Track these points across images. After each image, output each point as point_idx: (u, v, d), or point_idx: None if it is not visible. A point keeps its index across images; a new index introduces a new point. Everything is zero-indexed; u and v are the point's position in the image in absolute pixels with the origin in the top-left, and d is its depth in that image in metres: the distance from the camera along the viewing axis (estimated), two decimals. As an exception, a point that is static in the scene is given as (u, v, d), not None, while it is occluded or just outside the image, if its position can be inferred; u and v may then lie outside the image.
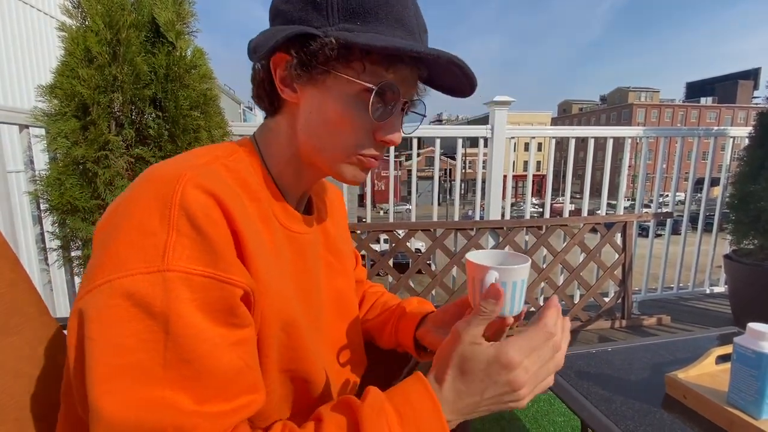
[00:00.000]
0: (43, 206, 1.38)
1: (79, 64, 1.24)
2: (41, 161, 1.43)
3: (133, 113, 1.34)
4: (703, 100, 63.38)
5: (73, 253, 1.40)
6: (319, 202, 0.66)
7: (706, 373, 0.80)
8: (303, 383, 0.53)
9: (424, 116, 0.58)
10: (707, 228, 2.61)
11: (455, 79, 0.50)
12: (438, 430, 0.41)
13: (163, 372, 0.35)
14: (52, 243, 1.39)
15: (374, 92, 0.46)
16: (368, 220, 2.24)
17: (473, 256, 0.54)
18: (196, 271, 0.37)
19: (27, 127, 1.40)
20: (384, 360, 0.75)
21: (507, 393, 0.43)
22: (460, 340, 0.44)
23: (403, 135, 0.54)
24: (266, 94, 0.52)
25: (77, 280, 1.55)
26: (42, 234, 1.51)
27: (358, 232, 2.01)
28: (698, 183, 2.67)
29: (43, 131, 1.33)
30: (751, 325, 0.67)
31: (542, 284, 2.22)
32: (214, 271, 0.38)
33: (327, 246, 0.64)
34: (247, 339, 0.42)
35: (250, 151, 0.52)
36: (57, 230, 1.34)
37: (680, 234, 2.58)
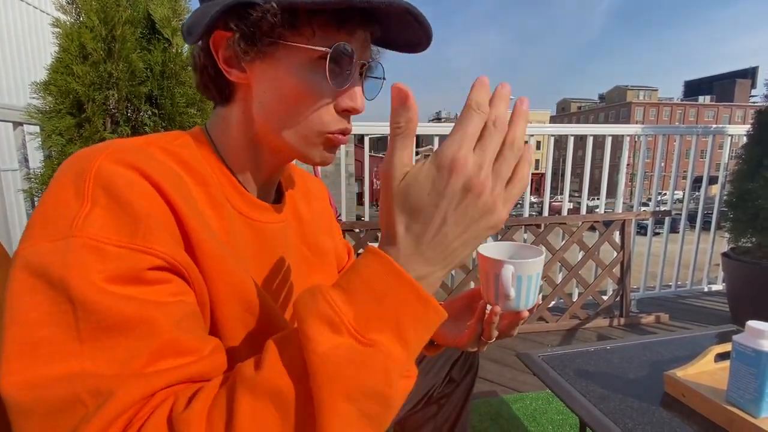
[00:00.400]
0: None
1: (74, 61, 1.22)
2: (36, 159, 1.42)
3: (129, 110, 1.32)
4: (701, 99, 63.52)
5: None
6: (294, 192, 0.62)
7: (705, 371, 0.80)
8: None
9: (384, 79, 0.53)
10: (705, 226, 2.61)
11: (411, 32, 0.46)
12: (398, 283, 0.32)
13: (80, 345, 0.31)
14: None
15: (329, 56, 0.42)
16: (367, 219, 2.23)
17: (485, 249, 0.53)
18: (108, 240, 0.33)
19: (21, 124, 1.38)
20: None
21: (468, 201, 0.32)
22: (391, 176, 0.34)
23: (366, 100, 0.50)
24: (212, 81, 0.48)
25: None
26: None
27: (357, 230, 2.01)
28: (696, 181, 2.68)
29: (37, 128, 1.32)
30: (751, 323, 0.67)
31: (541, 282, 2.22)
32: (130, 240, 0.34)
33: (302, 238, 0.60)
34: (184, 305, 0.37)
35: (198, 139, 0.49)
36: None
37: (678, 232, 2.58)
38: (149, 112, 1.34)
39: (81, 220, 0.33)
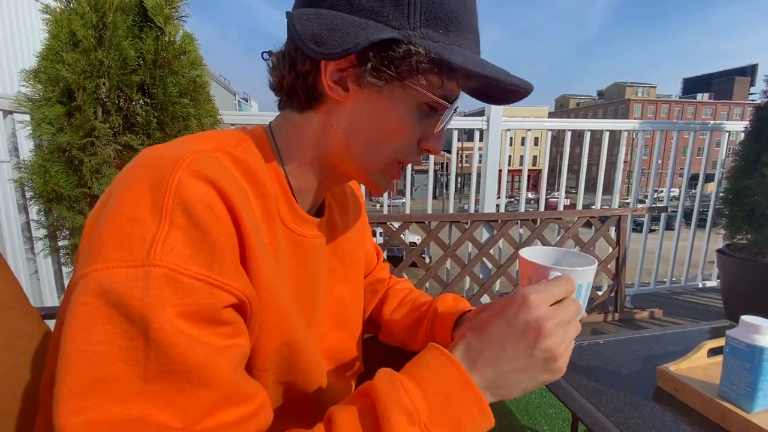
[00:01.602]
0: (28, 194, 1.34)
1: (64, 48, 1.20)
2: (26, 148, 1.40)
3: (121, 100, 1.30)
4: (699, 96, 63.61)
5: (60, 243, 1.37)
6: (333, 201, 0.61)
7: (698, 366, 0.80)
8: (299, 393, 0.50)
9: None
10: (701, 224, 2.62)
11: (508, 95, 0.47)
12: (465, 390, 0.36)
13: (144, 386, 0.30)
14: (38, 232, 1.36)
15: (446, 110, 0.44)
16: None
17: (528, 252, 0.49)
18: (187, 272, 0.31)
19: (11, 113, 1.36)
20: (381, 363, 0.71)
21: (533, 343, 0.37)
22: (518, 305, 0.39)
23: None
24: (304, 88, 0.45)
25: (65, 270, 1.53)
26: (28, 223, 1.48)
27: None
28: (693, 179, 2.68)
29: (27, 117, 1.29)
30: (745, 317, 0.66)
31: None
32: (208, 274, 0.33)
33: (333, 249, 0.59)
34: (238, 348, 0.37)
35: (262, 142, 0.46)
36: (43, 218, 1.31)
37: (674, 230, 2.59)
38: (141, 102, 1.32)
39: (160, 245, 0.31)
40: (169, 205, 0.32)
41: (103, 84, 1.24)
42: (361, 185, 0.57)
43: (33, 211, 1.41)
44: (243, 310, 0.37)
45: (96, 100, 1.25)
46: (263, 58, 0.48)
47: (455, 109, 0.47)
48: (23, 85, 1.24)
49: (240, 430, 0.34)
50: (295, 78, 0.45)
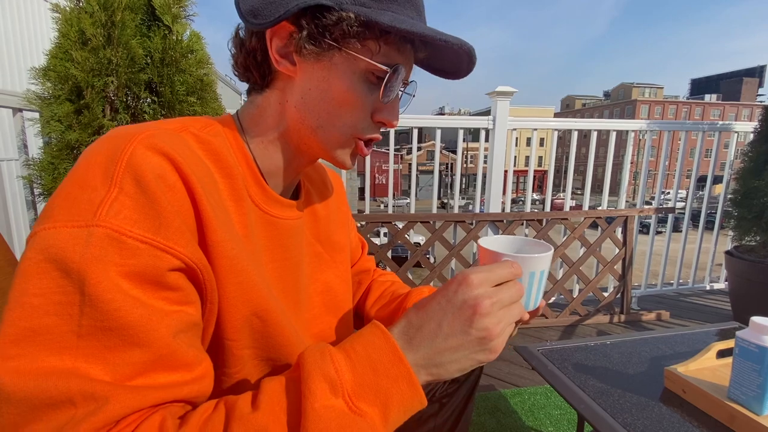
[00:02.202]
0: (36, 191, 1.36)
1: (73, 46, 1.21)
2: (35, 145, 1.41)
3: (128, 98, 1.31)
4: (707, 97, 62.94)
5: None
6: (311, 187, 0.62)
7: (707, 367, 0.79)
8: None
9: (413, 96, 0.54)
10: (708, 226, 2.59)
11: (458, 64, 0.48)
12: (395, 364, 0.36)
13: (76, 340, 0.31)
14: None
15: (387, 76, 0.44)
16: (367, 212, 2.23)
17: (487, 241, 0.49)
18: (131, 233, 0.33)
19: (21, 110, 1.37)
20: None
21: (469, 320, 0.37)
22: (458, 282, 0.40)
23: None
24: (256, 65, 0.47)
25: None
26: (35, 219, 1.49)
27: (358, 223, 2.00)
28: (701, 180, 2.65)
29: (37, 115, 1.31)
30: (755, 318, 0.66)
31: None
32: (152, 237, 0.34)
33: (317, 235, 0.60)
34: (184, 315, 0.37)
35: (229, 127, 0.49)
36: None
37: (681, 231, 2.56)
38: (149, 100, 1.33)
39: (106, 207, 0.33)
40: (119, 173, 0.34)
41: (112, 82, 1.25)
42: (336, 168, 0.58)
43: (41, 208, 1.42)
44: (194, 278, 0.38)
45: (104, 98, 1.26)
46: (228, 48, 0.50)
47: (406, 81, 0.49)
48: (32, 83, 1.25)
49: (170, 394, 0.34)
50: (246, 56, 0.47)
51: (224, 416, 0.33)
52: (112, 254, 0.32)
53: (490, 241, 0.50)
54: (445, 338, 0.37)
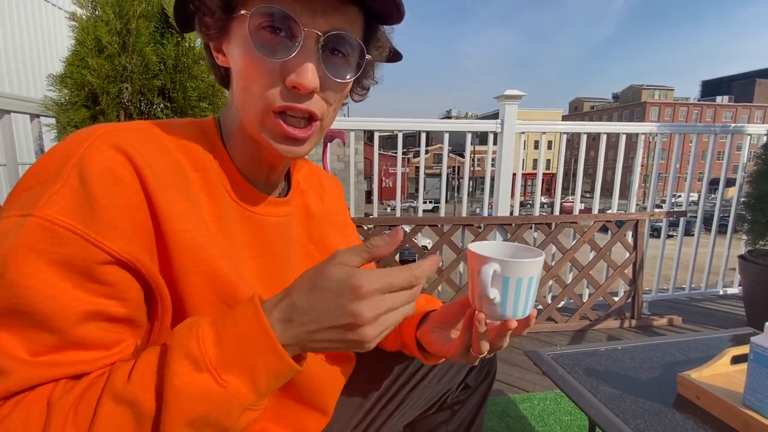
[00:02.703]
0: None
1: (90, 54, 1.24)
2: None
3: (142, 104, 1.34)
4: (719, 99, 62.06)
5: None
6: (306, 187, 0.61)
7: (721, 373, 0.78)
8: None
9: (366, 59, 0.46)
10: (721, 229, 2.55)
11: (380, 2, 0.42)
12: (261, 337, 0.36)
13: None
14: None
15: (249, 19, 0.40)
16: (375, 215, 2.23)
17: (477, 246, 0.47)
18: (63, 224, 0.34)
19: (38, 116, 1.41)
20: (375, 357, 0.70)
21: (348, 328, 0.36)
22: (329, 259, 0.38)
23: (339, 80, 0.44)
24: (213, 65, 0.49)
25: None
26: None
27: (365, 227, 2.01)
28: (713, 183, 2.61)
29: (53, 120, 1.34)
30: (770, 324, 0.65)
31: (551, 282, 2.20)
32: (84, 229, 0.35)
33: (309, 235, 0.59)
34: (105, 308, 0.37)
35: (207, 126, 0.49)
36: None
37: (693, 235, 2.52)
38: (162, 105, 1.36)
39: (46, 199, 0.34)
40: (69, 168, 0.36)
41: (126, 88, 1.28)
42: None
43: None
44: (132, 272, 0.38)
45: (119, 104, 1.29)
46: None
47: (301, 28, 0.40)
48: (50, 90, 1.29)
49: (82, 368, 0.37)
50: (208, 59, 0.49)
51: (102, 387, 0.35)
52: (41, 242, 0.33)
53: (480, 246, 0.48)
54: (323, 332, 0.37)
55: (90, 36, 1.24)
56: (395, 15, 0.44)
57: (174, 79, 1.34)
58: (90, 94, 1.25)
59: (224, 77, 0.50)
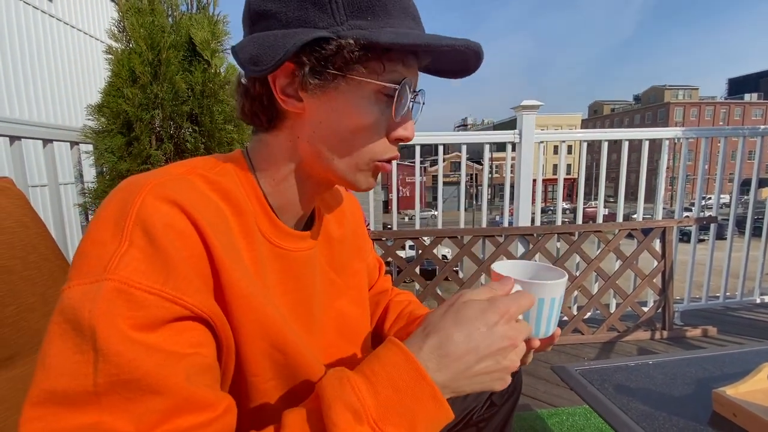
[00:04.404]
0: (91, 217, 1.47)
1: (125, 84, 1.32)
2: (90, 175, 1.53)
3: (172, 128, 1.41)
4: (747, 97, 59.67)
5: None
6: (326, 212, 0.62)
7: (759, 389, 0.75)
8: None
9: (423, 103, 0.53)
10: (756, 232, 2.44)
11: (464, 63, 0.47)
12: (417, 381, 0.35)
13: (96, 396, 0.31)
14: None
15: (397, 93, 0.44)
16: (394, 227, 2.25)
17: (501, 266, 0.49)
18: (139, 285, 0.33)
19: (77, 143, 1.50)
20: None
21: (504, 353, 0.38)
22: (457, 297, 0.41)
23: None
24: (263, 109, 0.47)
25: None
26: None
27: (384, 239, 2.02)
28: (744, 184, 2.52)
29: (91, 147, 1.43)
30: (810, 339, 0.63)
31: (576, 292, 2.15)
32: (161, 288, 0.34)
33: (330, 262, 0.59)
34: (199, 358, 0.37)
35: (239, 165, 0.48)
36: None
37: (726, 239, 2.43)
38: (190, 129, 1.43)
39: (116, 262, 0.33)
40: (129, 227, 0.35)
41: (158, 115, 1.35)
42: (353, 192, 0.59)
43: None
44: (207, 326, 0.38)
45: (151, 130, 1.37)
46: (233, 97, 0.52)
47: (415, 92, 0.48)
48: (89, 119, 1.37)
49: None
50: (252, 102, 0.47)
51: None
52: (120, 307, 0.32)
53: (503, 266, 0.50)
54: (480, 362, 0.38)
55: (125, 67, 1.32)
56: (471, 72, 0.49)
57: (201, 104, 1.41)
58: (125, 121, 1.33)
59: (272, 117, 0.48)
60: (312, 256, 0.55)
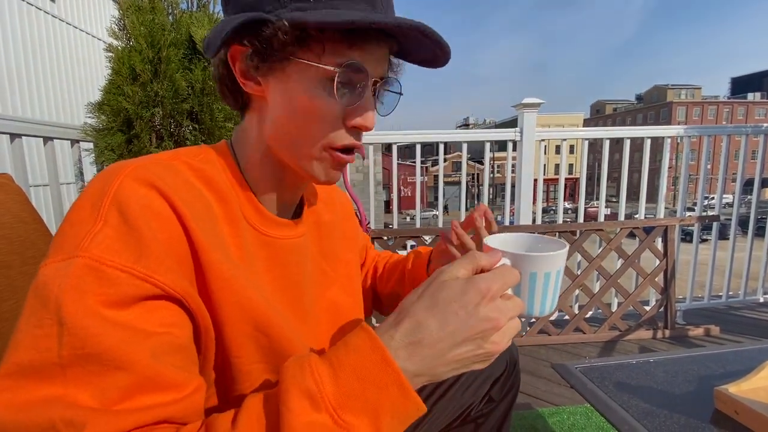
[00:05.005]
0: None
1: (125, 82, 1.33)
2: (90, 173, 1.54)
3: (172, 126, 1.41)
4: (750, 96, 59.42)
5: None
6: (315, 203, 0.62)
7: (762, 387, 0.75)
8: None
9: (401, 95, 0.52)
10: (759, 232, 2.43)
11: (427, 49, 0.46)
12: (383, 369, 0.33)
13: (61, 369, 0.31)
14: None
15: (337, 75, 0.42)
16: (395, 226, 2.25)
17: (493, 239, 0.46)
18: (111, 263, 0.33)
19: (78, 141, 1.50)
20: None
21: (485, 336, 0.35)
22: (435, 277, 0.38)
23: (381, 115, 0.51)
24: (229, 91, 0.49)
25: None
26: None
27: (385, 238, 2.02)
28: (747, 184, 2.50)
29: (91, 145, 1.43)
30: (813, 336, 0.62)
31: (577, 291, 2.14)
32: (132, 266, 0.34)
33: (321, 250, 0.59)
34: (170, 337, 0.36)
35: (222, 153, 0.50)
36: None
37: (728, 239, 2.41)
38: (190, 127, 1.43)
39: (89, 240, 0.34)
40: (105, 207, 0.36)
41: (158, 113, 1.35)
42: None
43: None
44: (181, 305, 0.38)
45: (151, 128, 1.37)
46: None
47: (377, 78, 0.46)
48: (89, 117, 1.38)
49: (157, 414, 0.34)
50: (220, 84, 0.50)
51: None
52: (90, 283, 0.33)
53: (496, 238, 0.47)
54: (457, 347, 0.36)
55: (125, 65, 1.33)
56: (441, 61, 0.48)
57: (201, 102, 1.41)
58: (125, 119, 1.33)
59: (237, 99, 0.50)
60: (301, 245, 0.55)
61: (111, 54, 1.36)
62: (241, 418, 0.33)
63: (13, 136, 1.24)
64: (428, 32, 0.42)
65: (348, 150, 0.48)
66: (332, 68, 0.42)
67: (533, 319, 2.02)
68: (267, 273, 0.49)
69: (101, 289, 0.33)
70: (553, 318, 2.24)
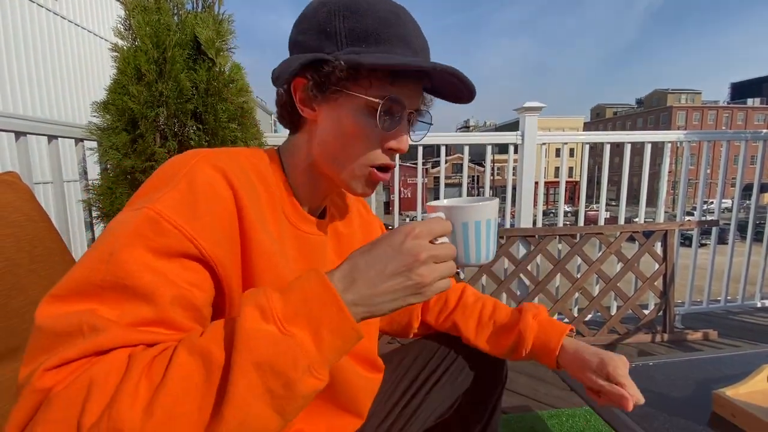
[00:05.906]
0: (94, 213, 1.48)
1: (130, 82, 1.33)
2: (94, 172, 1.54)
3: (176, 126, 1.42)
4: (750, 102, 59.54)
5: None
6: (336, 212, 0.70)
7: (758, 390, 0.76)
8: None
9: (431, 125, 0.62)
10: (757, 237, 2.44)
11: (455, 88, 0.55)
12: (324, 291, 0.40)
13: (100, 290, 0.38)
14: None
15: (380, 106, 0.51)
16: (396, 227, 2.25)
17: (437, 201, 0.55)
18: (168, 218, 0.41)
19: (82, 140, 1.51)
20: (396, 362, 0.78)
21: (410, 268, 0.42)
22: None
23: (411, 142, 0.61)
24: (288, 115, 0.59)
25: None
26: (93, 239, 1.62)
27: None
28: (746, 189, 2.51)
29: (95, 144, 1.43)
30: (809, 341, 0.63)
31: (576, 294, 2.15)
32: (183, 225, 0.42)
33: (339, 255, 0.66)
34: (192, 294, 0.43)
35: (272, 158, 0.59)
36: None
37: (727, 243, 2.42)
38: (194, 127, 1.43)
39: (158, 197, 0.42)
40: (179, 177, 0.45)
41: (162, 113, 1.36)
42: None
43: (98, 229, 1.54)
44: (210, 271, 0.45)
45: (156, 128, 1.37)
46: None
47: (413, 110, 0.56)
48: (94, 116, 1.38)
49: (160, 339, 0.40)
50: (282, 109, 0.59)
51: (179, 343, 0.39)
52: (147, 230, 0.40)
53: (440, 201, 0.56)
54: (387, 280, 0.42)
55: (130, 65, 1.33)
56: (466, 98, 0.57)
57: (206, 102, 1.42)
58: (130, 119, 1.34)
59: (295, 121, 0.59)
60: (322, 243, 0.62)
61: (116, 54, 1.36)
62: (208, 330, 0.39)
63: (18, 134, 1.24)
64: (458, 75, 0.51)
65: (383, 169, 0.57)
66: (377, 100, 0.52)
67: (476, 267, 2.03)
68: (296, 263, 0.57)
69: (154, 236, 0.40)
70: (552, 321, 2.24)
